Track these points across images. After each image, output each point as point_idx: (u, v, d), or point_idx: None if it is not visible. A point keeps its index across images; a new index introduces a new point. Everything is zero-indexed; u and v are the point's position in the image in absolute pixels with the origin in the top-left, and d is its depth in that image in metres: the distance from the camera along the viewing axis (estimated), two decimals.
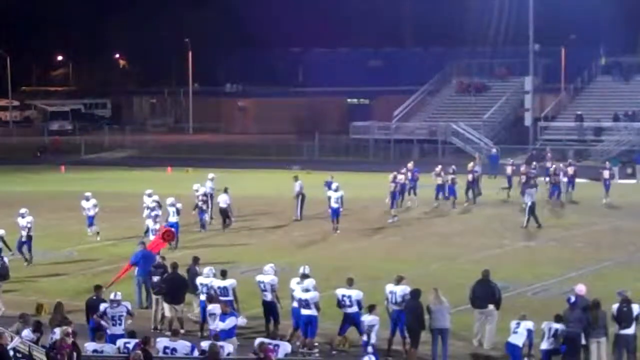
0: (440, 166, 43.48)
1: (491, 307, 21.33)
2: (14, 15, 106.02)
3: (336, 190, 36.20)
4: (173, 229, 29.26)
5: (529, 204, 36.73)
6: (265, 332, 21.61)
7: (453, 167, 43.22)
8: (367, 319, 20.32)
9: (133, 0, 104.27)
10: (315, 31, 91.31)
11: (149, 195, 34.98)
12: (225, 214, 36.83)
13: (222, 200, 36.74)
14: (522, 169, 44.02)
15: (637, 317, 19.50)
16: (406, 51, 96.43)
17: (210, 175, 39.96)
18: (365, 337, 20.15)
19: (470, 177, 43.12)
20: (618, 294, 19.98)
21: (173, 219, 32.79)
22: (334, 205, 36.02)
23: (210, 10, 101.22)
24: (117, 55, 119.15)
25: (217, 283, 22.45)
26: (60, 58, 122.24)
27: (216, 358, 17.61)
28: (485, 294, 21.47)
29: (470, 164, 43.97)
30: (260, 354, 17.62)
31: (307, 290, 21.27)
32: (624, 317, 19.46)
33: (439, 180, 42.17)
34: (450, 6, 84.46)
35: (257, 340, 18.91)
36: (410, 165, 43.61)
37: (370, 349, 19.43)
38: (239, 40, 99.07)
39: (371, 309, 20.49)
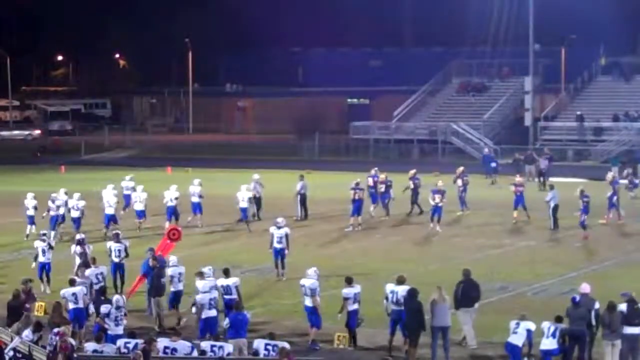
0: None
1: (477, 305, 21.49)
2: (14, 16, 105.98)
3: (279, 228, 28.62)
4: (179, 228, 26.70)
5: (552, 205, 36.28)
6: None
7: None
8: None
9: (133, 0, 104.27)
10: (315, 31, 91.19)
11: (131, 179, 39.76)
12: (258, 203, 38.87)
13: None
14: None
15: None
16: (406, 51, 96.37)
17: (256, 177, 39.84)
18: None
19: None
20: (623, 295, 20.04)
21: (42, 258, 27.19)
22: (277, 245, 28.50)
23: (210, 10, 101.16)
24: (117, 55, 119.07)
25: (221, 282, 22.42)
26: (60, 58, 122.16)
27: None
28: (473, 293, 21.64)
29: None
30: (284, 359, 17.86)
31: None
32: (634, 317, 19.50)
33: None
34: (450, 6, 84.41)
35: (256, 342, 18.97)
36: (460, 170, 40.65)
37: None
38: (239, 40, 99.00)
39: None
